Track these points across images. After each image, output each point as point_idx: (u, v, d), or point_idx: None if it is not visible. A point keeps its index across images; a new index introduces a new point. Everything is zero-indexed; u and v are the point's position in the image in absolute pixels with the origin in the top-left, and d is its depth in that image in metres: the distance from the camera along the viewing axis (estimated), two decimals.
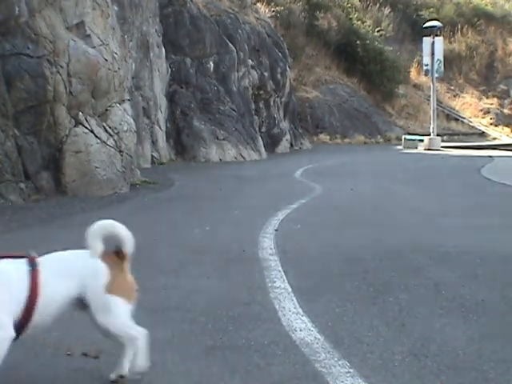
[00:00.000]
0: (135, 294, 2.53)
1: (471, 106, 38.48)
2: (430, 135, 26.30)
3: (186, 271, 4.55)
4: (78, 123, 9.12)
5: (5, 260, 2.39)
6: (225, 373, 2.65)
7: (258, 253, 5.18)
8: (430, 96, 29.08)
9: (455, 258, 5.01)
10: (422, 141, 26.01)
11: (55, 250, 2.54)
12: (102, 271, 2.45)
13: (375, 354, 2.87)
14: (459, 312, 3.54)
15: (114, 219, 2.53)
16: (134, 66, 14.41)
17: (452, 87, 39.47)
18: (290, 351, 2.91)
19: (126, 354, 2.48)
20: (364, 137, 29.93)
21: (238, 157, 18.04)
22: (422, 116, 34.50)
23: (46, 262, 2.44)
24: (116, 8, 11.88)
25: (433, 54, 26.25)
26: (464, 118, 37.28)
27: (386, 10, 38.47)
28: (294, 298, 3.79)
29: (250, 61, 21.26)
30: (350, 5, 35.39)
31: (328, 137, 28.66)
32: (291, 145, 24.03)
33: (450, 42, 39.38)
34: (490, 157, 20.52)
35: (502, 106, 38.94)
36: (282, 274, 4.44)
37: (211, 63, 18.97)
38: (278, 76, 23.09)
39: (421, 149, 25.24)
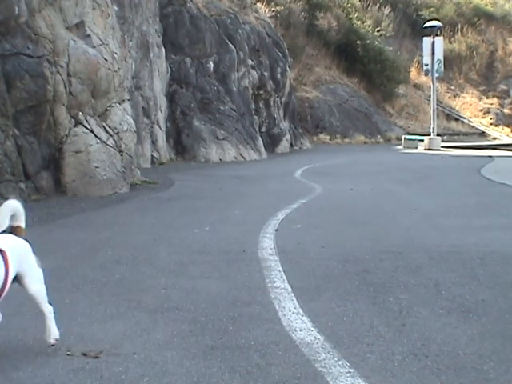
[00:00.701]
0: None
1: (471, 106, 38.49)
2: (430, 135, 26.29)
3: (185, 271, 4.54)
4: (77, 123, 9.13)
5: None
6: (225, 373, 2.65)
7: (258, 253, 5.17)
8: (430, 96, 29.08)
9: (455, 258, 5.00)
10: (422, 141, 26.00)
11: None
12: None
13: (375, 354, 2.87)
14: (459, 312, 3.53)
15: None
16: (133, 66, 14.41)
17: (452, 87, 39.48)
18: (289, 351, 2.91)
19: None
20: (364, 137, 29.93)
21: (238, 157, 18.03)
22: (422, 116, 34.50)
23: None
24: (116, 8, 11.88)
25: (433, 53, 26.24)
26: (464, 117, 37.28)
27: (386, 10, 38.49)
28: (294, 298, 3.79)
29: (249, 61, 21.25)
30: (349, 5, 35.40)
31: (328, 137, 28.66)
32: (291, 145, 24.02)
33: (450, 42, 39.41)
34: (490, 157, 20.51)
35: (502, 105, 38.94)
36: (282, 273, 4.43)
37: (211, 63, 18.95)
38: (278, 76, 23.08)
39: (421, 149, 25.24)
